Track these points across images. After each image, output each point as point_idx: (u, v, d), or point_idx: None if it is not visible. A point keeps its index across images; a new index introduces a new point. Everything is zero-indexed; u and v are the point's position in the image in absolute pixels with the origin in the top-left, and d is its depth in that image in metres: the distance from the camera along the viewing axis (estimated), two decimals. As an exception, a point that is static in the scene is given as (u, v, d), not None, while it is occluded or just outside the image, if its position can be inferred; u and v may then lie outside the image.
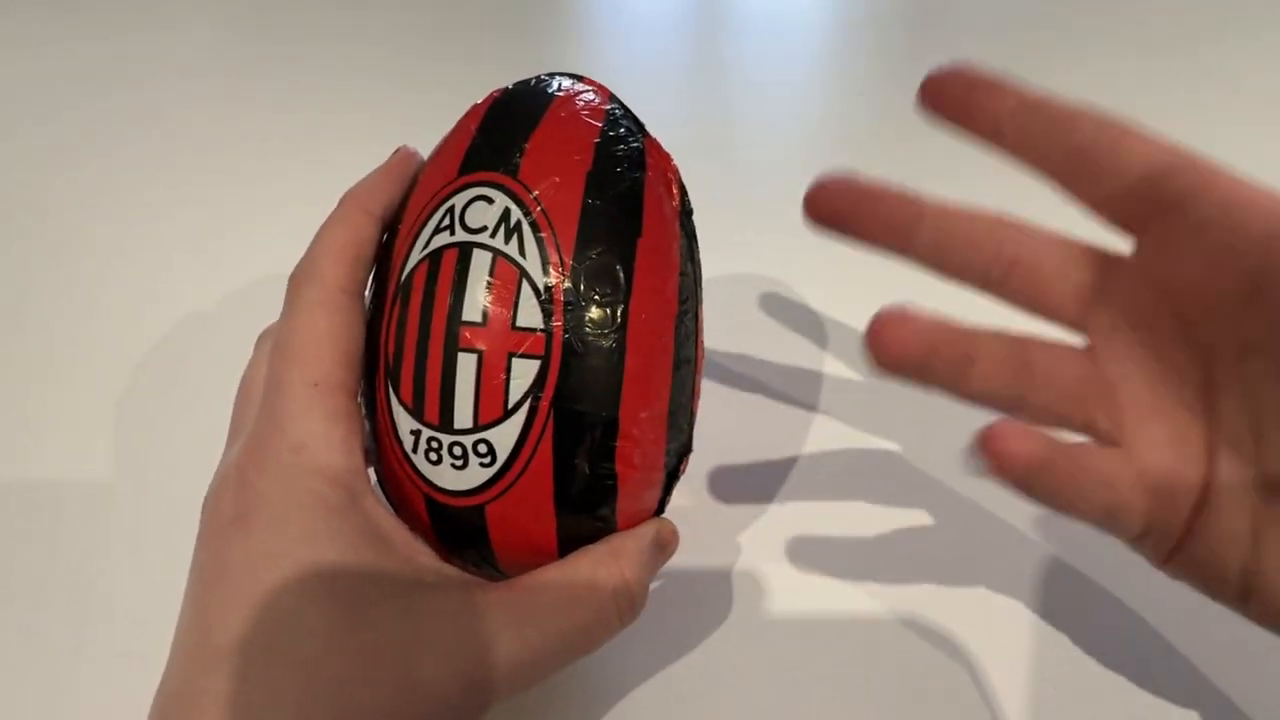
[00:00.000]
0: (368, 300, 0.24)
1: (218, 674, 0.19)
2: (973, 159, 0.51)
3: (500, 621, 0.21)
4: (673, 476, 0.24)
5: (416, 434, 0.22)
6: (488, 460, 0.22)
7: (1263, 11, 0.66)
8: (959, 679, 0.27)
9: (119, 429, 0.36)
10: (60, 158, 0.52)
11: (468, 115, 0.26)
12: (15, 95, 0.58)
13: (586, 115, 0.24)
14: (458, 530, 0.23)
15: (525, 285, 0.22)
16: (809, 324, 0.29)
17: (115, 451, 0.35)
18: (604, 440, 0.22)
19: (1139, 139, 0.22)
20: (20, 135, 0.54)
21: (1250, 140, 0.52)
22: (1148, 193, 0.21)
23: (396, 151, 0.26)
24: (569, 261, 0.22)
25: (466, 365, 0.21)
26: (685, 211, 0.25)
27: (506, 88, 0.26)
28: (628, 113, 0.25)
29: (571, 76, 0.26)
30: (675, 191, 0.25)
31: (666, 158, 0.26)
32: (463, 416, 0.22)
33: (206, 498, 0.22)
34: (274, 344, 0.23)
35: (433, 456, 0.22)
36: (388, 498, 0.24)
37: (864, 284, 0.42)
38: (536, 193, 0.22)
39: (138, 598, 0.30)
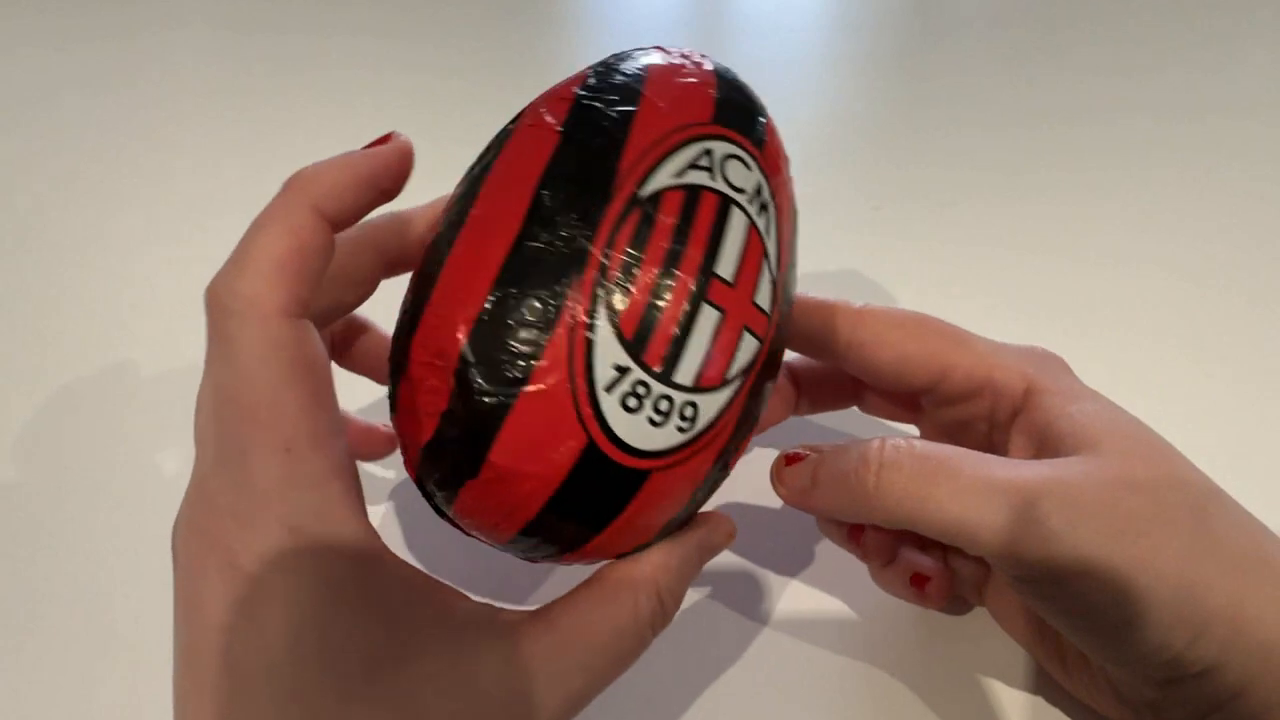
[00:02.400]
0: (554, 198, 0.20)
1: None
2: (971, 158, 0.51)
3: (549, 674, 0.19)
4: None
5: (622, 371, 0.19)
6: (685, 426, 0.19)
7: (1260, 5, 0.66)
8: (960, 678, 0.27)
9: (112, 429, 0.36)
10: (59, 157, 0.52)
11: (691, 71, 0.22)
12: (11, 94, 0.58)
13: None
14: (594, 495, 0.19)
15: (765, 266, 0.21)
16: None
17: (104, 452, 0.35)
18: (747, 434, 0.22)
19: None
20: (16, 134, 0.54)
21: (1247, 137, 0.52)
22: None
23: (383, 140, 0.21)
24: (786, 259, 0.22)
25: (708, 320, 0.19)
26: None
27: (717, 66, 0.24)
28: None
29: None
30: None
31: None
32: (686, 371, 0.19)
33: (180, 560, 0.18)
34: (215, 393, 0.18)
35: (632, 402, 0.19)
36: (485, 424, 0.19)
37: (862, 283, 0.42)
38: (775, 180, 0.22)
39: (131, 601, 0.30)
